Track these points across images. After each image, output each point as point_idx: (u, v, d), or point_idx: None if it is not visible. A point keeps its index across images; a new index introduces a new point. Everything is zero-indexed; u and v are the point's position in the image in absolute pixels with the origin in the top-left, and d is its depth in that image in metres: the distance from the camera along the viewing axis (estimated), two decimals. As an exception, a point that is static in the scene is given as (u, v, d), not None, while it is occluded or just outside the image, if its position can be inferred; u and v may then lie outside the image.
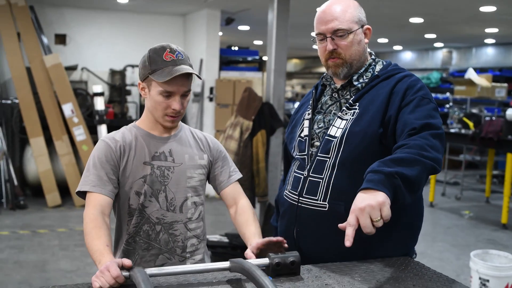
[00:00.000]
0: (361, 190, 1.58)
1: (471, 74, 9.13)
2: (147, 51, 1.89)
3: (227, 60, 8.49)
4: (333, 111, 1.95)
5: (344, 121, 1.87)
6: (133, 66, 8.09)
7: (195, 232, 1.97)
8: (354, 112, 1.87)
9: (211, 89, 8.08)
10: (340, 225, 1.57)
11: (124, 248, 1.92)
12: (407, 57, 14.58)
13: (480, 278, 3.90)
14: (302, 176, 1.92)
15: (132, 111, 8.35)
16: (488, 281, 3.84)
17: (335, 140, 1.86)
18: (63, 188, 7.11)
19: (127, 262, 1.53)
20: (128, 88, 8.06)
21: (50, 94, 7.00)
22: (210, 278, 1.64)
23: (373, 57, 1.99)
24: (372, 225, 1.51)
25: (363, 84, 1.92)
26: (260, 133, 5.54)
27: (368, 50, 2.01)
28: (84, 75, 8.16)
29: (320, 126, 1.95)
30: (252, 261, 1.62)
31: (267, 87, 5.82)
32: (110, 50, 8.51)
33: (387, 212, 1.51)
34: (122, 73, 8.00)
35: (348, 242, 1.51)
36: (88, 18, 8.43)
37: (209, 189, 7.86)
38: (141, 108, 8.10)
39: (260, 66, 8.73)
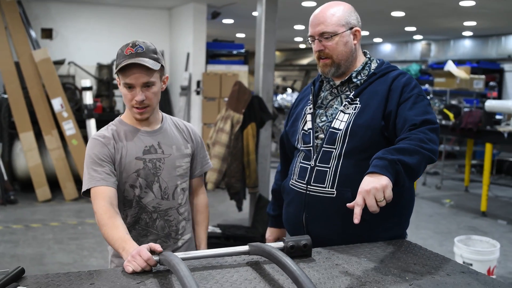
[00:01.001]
0: (367, 174, 1.78)
1: (450, 66, 9.40)
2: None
3: (213, 54, 8.59)
4: (334, 106, 2.12)
5: (347, 115, 2.04)
6: (120, 61, 8.13)
7: (184, 215, 2.16)
8: (356, 107, 2.05)
9: (198, 83, 8.19)
10: (348, 205, 1.76)
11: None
12: (386, 49, 14.84)
13: (464, 262, 4.12)
14: (309, 166, 2.09)
15: (120, 105, 8.41)
16: (471, 265, 4.06)
17: (340, 132, 2.03)
18: (53, 183, 7.17)
19: (157, 246, 1.68)
20: (115, 82, 8.10)
21: (39, 88, 7.03)
22: (231, 261, 1.79)
23: (368, 56, 2.17)
24: (376, 204, 1.71)
25: (362, 81, 2.10)
26: (250, 125, 5.68)
27: (364, 50, 2.19)
28: (71, 69, 8.19)
29: (323, 119, 2.12)
30: (270, 244, 1.77)
31: (256, 80, 5.95)
32: (97, 44, 8.55)
33: (389, 193, 1.71)
34: (109, 67, 8.06)
35: (356, 220, 1.70)
36: (75, 12, 8.45)
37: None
38: (129, 102, 8.16)
39: (246, 59, 8.85)
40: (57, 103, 7.03)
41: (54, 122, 7.09)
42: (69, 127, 7.07)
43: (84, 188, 1.97)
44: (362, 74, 2.11)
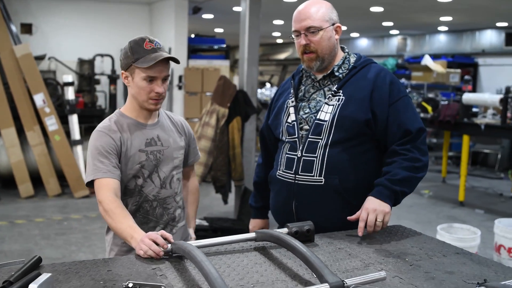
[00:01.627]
0: (372, 195, 2.05)
1: (427, 61, 9.61)
2: (127, 43, 2.08)
3: (194, 49, 8.62)
4: (318, 98, 2.22)
5: (331, 107, 2.15)
6: (102, 55, 8.12)
7: (179, 203, 2.27)
8: (339, 98, 2.15)
9: (180, 78, 8.21)
10: (350, 218, 2.03)
11: None
12: (363, 44, 15.03)
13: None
14: (296, 157, 2.18)
15: (101, 101, 8.39)
16: (454, 251, 4.20)
17: (326, 123, 2.13)
18: (35, 179, 7.13)
19: (169, 235, 1.78)
20: (97, 77, 8.09)
21: (21, 84, 6.98)
22: (238, 248, 1.87)
23: (346, 51, 2.28)
24: (374, 224, 1.98)
25: (344, 74, 2.21)
26: (235, 119, 5.76)
27: (341, 45, 2.30)
28: (52, 64, 8.14)
29: (306, 111, 2.22)
30: (276, 230, 1.86)
31: (241, 75, 6.02)
32: (77, 39, 8.51)
33: (387, 219, 2.01)
34: (91, 63, 8.02)
35: (360, 233, 1.97)
36: (54, 7, 8.39)
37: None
38: (110, 97, 8.16)
39: (227, 54, 8.90)
40: (39, 98, 6.99)
41: (36, 118, 7.04)
42: (52, 123, 7.03)
43: (89, 179, 2.03)
44: (343, 67, 2.22)
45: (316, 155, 2.13)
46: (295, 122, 2.21)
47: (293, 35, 2.20)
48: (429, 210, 6.89)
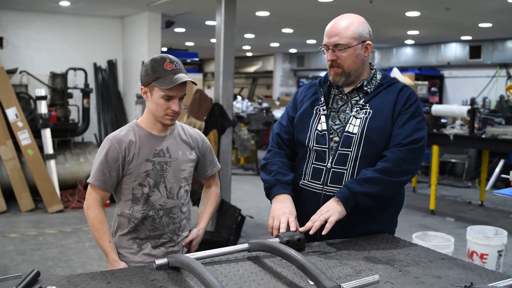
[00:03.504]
0: (335, 194, 2.12)
1: (395, 73, 9.81)
2: (148, 61, 2.22)
3: (167, 62, 8.63)
4: (346, 111, 2.28)
5: (359, 119, 2.21)
6: (75, 69, 8.06)
7: (186, 214, 2.38)
8: (366, 112, 2.22)
9: (154, 91, 8.20)
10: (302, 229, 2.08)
11: (133, 228, 2.27)
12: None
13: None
14: (324, 168, 2.23)
15: (74, 114, 8.31)
16: (429, 258, 4.32)
17: (355, 136, 2.19)
18: (8, 194, 7.01)
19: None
20: (70, 91, 8.03)
21: (-7, 98, 6.88)
22: (232, 258, 1.92)
23: (374, 67, 2.35)
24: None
25: (371, 89, 2.27)
26: (212, 132, 5.81)
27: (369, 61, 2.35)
28: (24, 78, 8.03)
29: (336, 123, 2.27)
30: (268, 240, 1.91)
31: (216, 88, 6.08)
32: (49, 53, 8.43)
33: (332, 219, 2.05)
34: (64, 76, 7.95)
35: (302, 229, 2.07)
36: (26, 21, 8.30)
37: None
38: (84, 111, 8.09)
39: (200, 67, 8.94)
40: (12, 112, 6.89)
41: (8, 132, 6.94)
42: (25, 137, 6.94)
43: (88, 180, 2.24)
44: (371, 83, 2.29)
45: (346, 167, 2.19)
46: (326, 132, 2.24)
47: (323, 48, 2.25)
48: (402, 219, 7.00)
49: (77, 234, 6.03)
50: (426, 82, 10.10)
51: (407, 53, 13.28)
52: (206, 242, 5.44)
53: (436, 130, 7.19)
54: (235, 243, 5.61)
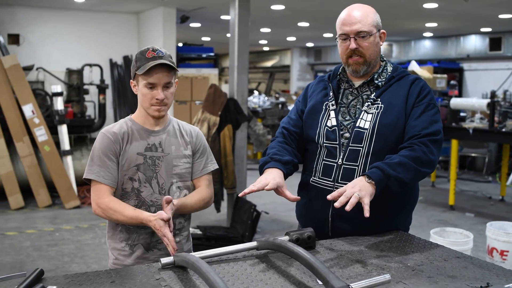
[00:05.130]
0: (363, 175, 1.98)
1: (414, 66, 9.67)
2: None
3: (182, 57, 8.62)
4: (357, 106, 2.20)
5: (371, 115, 2.14)
6: (91, 65, 8.09)
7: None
8: (378, 106, 2.14)
9: (169, 86, 8.20)
10: (328, 196, 1.92)
11: (125, 226, 2.19)
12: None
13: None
14: (335, 164, 2.16)
15: (90, 110, 8.35)
16: (447, 255, 4.23)
17: (366, 131, 2.12)
18: (25, 190, 7.08)
19: (164, 215, 2.02)
20: (86, 87, 8.06)
21: (10, 95, 6.93)
22: (240, 256, 1.87)
23: (384, 59, 2.27)
24: (347, 202, 1.87)
25: (382, 83, 2.20)
26: (226, 127, 5.77)
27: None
28: (40, 75, 8.09)
29: (346, 118, 2.20)
30: (278, 238, 1.86)
31: (231, 83, 6.04)
32: (65, 49, 8.47)
33: (367, 200, 1.88)
34: (79, 73, 7.98)
35: (330, 197, 1.91)
36: (42, 18, 8.35)
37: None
38: (100, 107, 8.12)
39: (215, 62, 8.91)
40: (28, 109, 6.94)
41: (25, 129, 7.00)
42: (41, 133, 6.99)
43: (88, 176, 2.15)
44: (381, 76, 2.22)
45: (357, 163, 2.12)
46: (336, 128, 2.18)
47: (338, 38, 2.18)
48: (420, 214, 6.94)
49: (94, 230, 6.05)
50: (445, 75, 9.92)
51: (426, 46, 13.08)
52: (221, 238, 5.41)
53: (455, 124, 7.06)
54: (250, 239, 5.58)
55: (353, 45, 2.13)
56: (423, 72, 9.46)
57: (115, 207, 2.09)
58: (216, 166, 2.39)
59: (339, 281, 1.45)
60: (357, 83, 2.24)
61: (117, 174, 2.15)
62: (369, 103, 2.16)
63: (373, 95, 2.18)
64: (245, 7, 5.93)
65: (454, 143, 7.04)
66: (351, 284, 1.45)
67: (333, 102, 2.23)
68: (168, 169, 2.21)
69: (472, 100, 7.13)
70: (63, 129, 7.27)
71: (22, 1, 7.99)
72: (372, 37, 2.13)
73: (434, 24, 10.18)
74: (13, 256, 5.12)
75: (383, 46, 11.70)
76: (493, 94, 6.75)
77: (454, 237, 4.47)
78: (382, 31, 2.20)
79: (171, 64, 2.12)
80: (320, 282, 1.56)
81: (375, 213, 2.10)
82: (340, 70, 2.28)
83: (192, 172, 2.31)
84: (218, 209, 5.99)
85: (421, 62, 11.63)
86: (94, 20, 8.72)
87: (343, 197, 1.88)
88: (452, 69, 12.19)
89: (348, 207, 1.85)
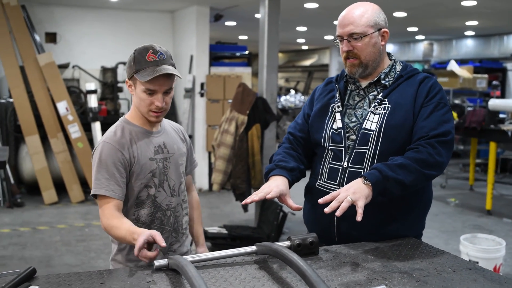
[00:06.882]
0: (361, 177, 1.91)
1: (453, 66, 9.41)
2: (133, 51, 2.03)
3: (216, 56, 8.62)
4: (363, 107, 2.12)
5: (377, 116, 2.04)
6: (124, 64, 8.17)
7: (186, 210, 2.25)
8: (385, 107, 2.05)
9: (202, 85, 8.22)
10: (320, 200, 1.88)
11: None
12: (388, 50, 14.61)
13: (469, 261, 4.13)
14: (341, 167, 2.08)
15: (124, 108, 8.44)
16: (477, 262, 4.06)
17: (372, 133, 2.03)
18: (59, 185, 7.21)
19: (160, 242, 1.75)
20: (120, 85, 8.15)
21: (44, 92, 7.08)
22: (239, 260, 1.81)
23: (393, 58, 2.18)
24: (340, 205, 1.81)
25: (390, 83, 2.10)
26: (255, 127, 5.71)
27: (387, 52, 2.18)
28: (75, 73, 8.24)
29: (352, 120, 2.11)
30: (277, 243, 1.79)
31: (260, 82, 5.98)
32: (100, 47, 8.60)
33: (361, 203, 1.82)
34: (113, 71, 8.09)
35: (327, 210, 1.82)
36: (78, 16, 8.50)
37: (204, 183, 7.93)
38: (133, 104, 8.19)
39: (249, 61, 8.87)
40: (62, 106, 7.07)
41: (59, 125, 7.14)
42: (75, 130, 7.11)
43: (93, 192, 2.01)
44: (389, 76, 2.12)
45: (363, 166, 2.03)
46: (341, 130, 2.10)
47: (336, 40, 2.11)
48: (455, 219, 6.71)
49: (122, 226, 6.10)
50: (486, 75, 9.62)
51: (468, 45, 12.70)
52: (247, 239, 5.36)
53: (494, 125, 6.80)
54: (276, 240, 5.51)
55: (345, 47, 2.06)
56: (463, 72, 9.19)
57: (112, 224, 1.94)
58: (197, 164, 2.41)
59: (330, 292, 1.37)
60: (364, 83, 2.14)
61: (126, 187, 2.03)
62: (376, 103, 2.06)
63: (380, 95, 2.08)
64: (275, 5, 5.86)
65: (492, 146, 6.78)
66: (342, 295, 1.37)
67: (339, 104, 2.15)
68: (176, 169, 2.16)
69: (511, 101, 6.85)
70: (96, 126, 7.38)
71: (60, 0, 8.15)
72: (367, 37, 2.04)
73: (475, 23, 9.84)
74: (42, 250, 5.21)
75: (423, 45, 11.55)
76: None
77: (486, 244, 4.28)
78: (384, 30, 2.08)
79: (174, 73, 1.99)
80: (313, 291, 1.48)
81: (382, 217, 2.02)
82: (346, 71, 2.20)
83: (185, 168, 2.30)
84: (245, 209, 5.95)
85: (462, 62, 11.30)
86: (129, 19, 8.82)
87: (335, 201, 1.81)
88: (494, 69, 11.80)
89: (338, 213, 1.78)
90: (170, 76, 2.00)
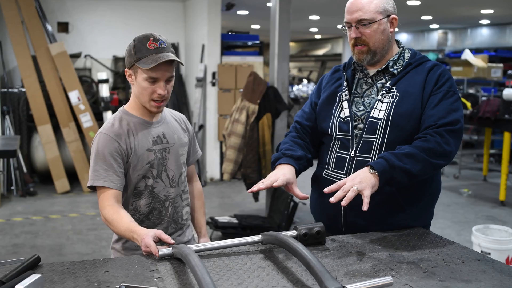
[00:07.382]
0: (367, 165, 1.87)
1: (467, 55, 9.27)
2: (132, 40, 2.00)
3: (227, 45, 8.58)
4: (371, 95, 2.08)
5: (385, 104, 2.01)
6: (136, 53, 8.17)
7: (187, 201, 2.22)
8: (393, 95, 2.01)
9: (214, 74, 8.19)
10: (326, 189, 1.84)
11: (135, 216, 2.07)
12: (402, 39, 14.68)
13: (481, 252, 4.08)
14: (348, 156, 2.05)
15: (135, 97, 8.45)
16: (489, 254, 4.02)
17: (380, 121, 1.99)
18: (71, 174, 7.26)
19: (168, 239, 1.74)
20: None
21: (56, 82, 7.11)
22: (244, 250, 1.79)
23: (401, 45, 2.13)
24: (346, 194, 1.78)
25: (398, 70, 2.06)
26: (265, 116, 5.68)
27: (396, 39, 2.14)
28: (87, 62, 8.26)
29: (360, 108, 2.07)
30: (283, 232, 1.77)
31: (271, 71, 5.94)
32: (112, 37, 8.59)
33: (367, 193, 1.78)
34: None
35: (333, 199, 1.79)
36: (90, 6, 8.50)
37: (215, 173, 7.90)
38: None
39: (260, 50, 8.82)
40: (74, 96, 7.10)
41: (71, 115, 7.17)
42: (86, 120, 7.14)
43: (90, 183, 2.01)
44: (397, 63, 2.08)
45: (371, 155, 2.00)
46: (349, 118, 2.07)
47: (344, 26, 2.07)
48: (468, 209, 6.64)
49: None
50: (501, 65, 9.47)
51: (483, 34, 12.51)
52: (258, 228, 5.35)
53: (508, 115, 6.69)
54: (287, 229, 5.48)
55: (353, 34, 2.03)
56: (477, 61, 9.06)
57: (112, 217, 1.93)
58: (200, 154, 2.37)
59: (334, 282, 1.34)
60: (372, 71, 2.10)
61: (124, 177, 2.02)
62: (384, 92, 2.03)
63: (388, 83, 2.04)
64: (286, -7, 5.80)
65: (507, 136, 6.68)
66: (346, 286, 1.34)
67: (347, 92, 2.11)
68: (176, 159, 2.13)
69: (527, 91, 6.74)
70: (108, 116, 7.39)
71: (72, -10, 8.15)
72: (376, 24, 2.00)
73: (490, 11, 9.68)
74: (53, 239, 5.25)
75: (438, 34, 11.38)
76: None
77: (498, 235, 4.23)
78: (393, 16, 2.04)
79: (176, 59, 1.98)
80: (318, 281, 1.46)
81: (389, 207, 1.99)
82: (354, 59, 2.15)
83: (188, 158, 2.27)
84: (256, 198, 5.94)
85: (477, 51, 11.13)
86: (141, 8, 8.80)
87: (341, 191, 1.78)
88: (510, 58, 11.59)
89: (343, 203, 1.75)
90: (171, 64, 1.98)
